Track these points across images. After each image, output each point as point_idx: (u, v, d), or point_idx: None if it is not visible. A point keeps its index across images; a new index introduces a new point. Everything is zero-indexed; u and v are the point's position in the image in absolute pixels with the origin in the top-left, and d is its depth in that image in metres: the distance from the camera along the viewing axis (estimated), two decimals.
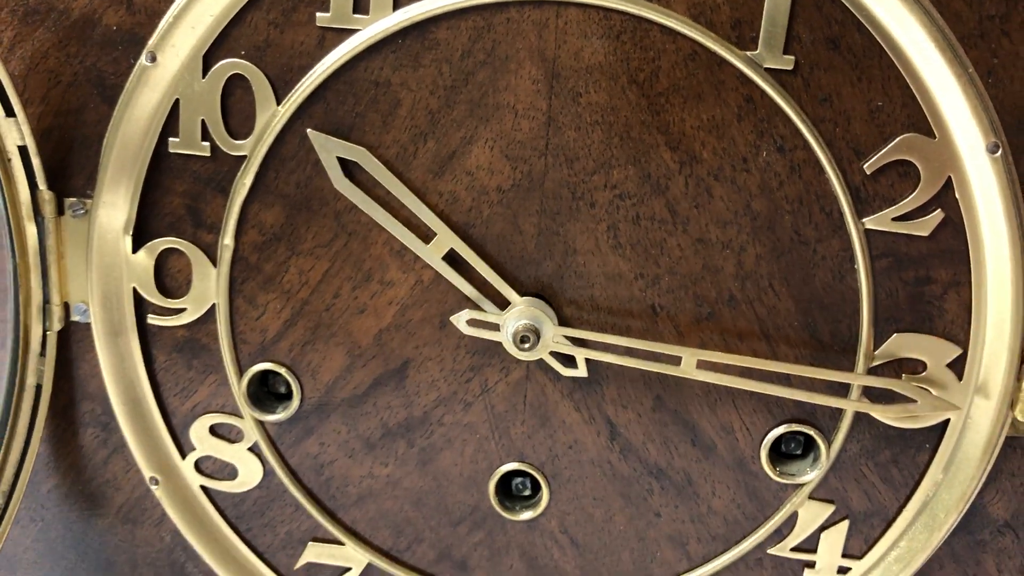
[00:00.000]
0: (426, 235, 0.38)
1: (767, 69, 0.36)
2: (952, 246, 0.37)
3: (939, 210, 0.36)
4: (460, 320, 0.38)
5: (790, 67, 0.35)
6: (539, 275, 0.38)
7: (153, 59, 0.37)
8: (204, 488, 0.43)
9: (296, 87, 0.37)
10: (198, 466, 0.43)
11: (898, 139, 0.36)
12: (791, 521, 0.40)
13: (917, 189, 0.36)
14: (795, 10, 0.35)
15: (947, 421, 0.38)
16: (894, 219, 0.36)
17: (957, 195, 0.36)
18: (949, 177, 0.36)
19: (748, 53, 0.35)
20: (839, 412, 0.39)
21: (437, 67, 0.37)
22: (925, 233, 0.36)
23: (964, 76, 0.35)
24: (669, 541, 0.40)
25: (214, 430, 0.42)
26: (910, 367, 0.38)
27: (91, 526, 0.44)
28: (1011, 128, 0.36)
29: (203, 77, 0.38)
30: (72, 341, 0.42)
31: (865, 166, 0.36)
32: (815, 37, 0.35)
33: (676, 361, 0.38)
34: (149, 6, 0.37)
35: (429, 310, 0.39)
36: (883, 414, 0.38)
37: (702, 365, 0.37)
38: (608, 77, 0.36)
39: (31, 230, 0.39)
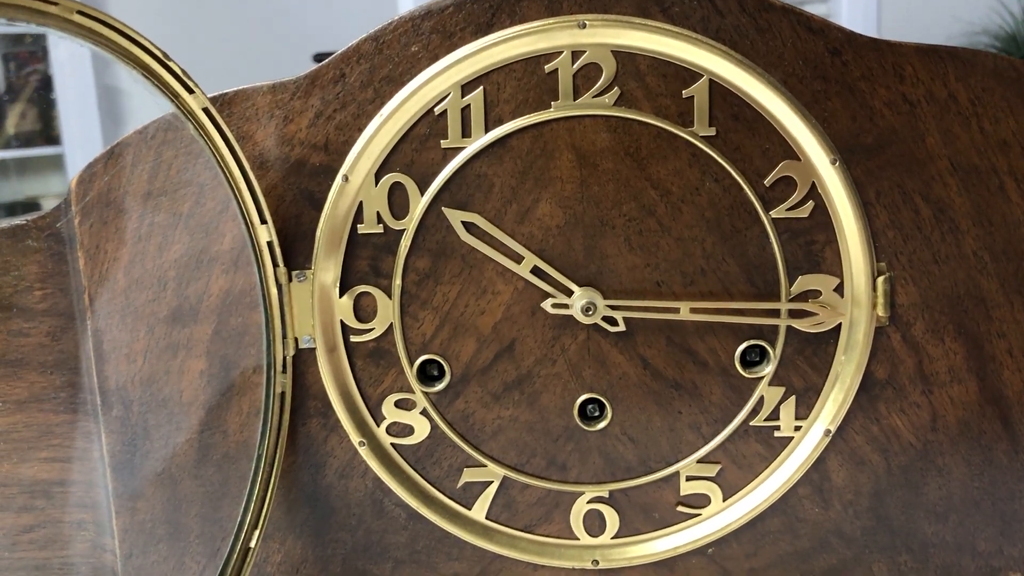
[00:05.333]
0: (517, 259, 0.58)
1: (702, 136, 0.56)
2: (823, 220, 0.57)
3: (812, 201, 0.56)
4: (547, 305, 0.58)
5: (713, 133, 0.56)
6: (587, 273, 0.58)
7: (346, 179, 0.58)
8: (393, 444, 0.61)
9: (432, 184, 0.57)
10: (388, 430, 0.61)
11: (780, 164, 0.56)
12: (760, 403, 0.59)
13: (796, 191, 0.56)
14: (712, 101, 0.56)
15: (840, 324, 0.57)
16: (787, 209, 0.56)
17: (820, 191, 0.56)
18: (813, 182, 0.56)
19: (689, 129, 0.56)
20: (777, 328, 0.58)
21: (513, 161, 0.58)
22: (806, 215, 0.57)
23: (810, 122, 0.55)
24: (689, 428, 0.61)
25: (397, 404, 0.60)
26: (812, 295, 0.58)
27: (318, 485, 0.62)
28: (841, 149, 0.57)
29: (375, 186, 0.57)
30: (301, 360, 0.60)
31: (765, 182, 0.57)
32: (725, 115, 0.56)
33: (676, 311, 0.58)
34: (338, 148, 0.58)
35: (524, 305, 0.59)
36: (802, 325, 0.58)
37: (692, 311, 0.59)
38: (612, 153, 0.57)
39: (274, 292, 0.58)
